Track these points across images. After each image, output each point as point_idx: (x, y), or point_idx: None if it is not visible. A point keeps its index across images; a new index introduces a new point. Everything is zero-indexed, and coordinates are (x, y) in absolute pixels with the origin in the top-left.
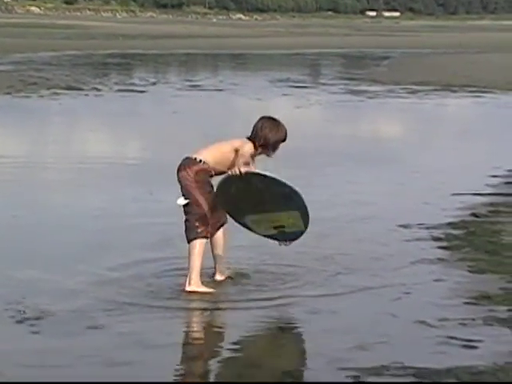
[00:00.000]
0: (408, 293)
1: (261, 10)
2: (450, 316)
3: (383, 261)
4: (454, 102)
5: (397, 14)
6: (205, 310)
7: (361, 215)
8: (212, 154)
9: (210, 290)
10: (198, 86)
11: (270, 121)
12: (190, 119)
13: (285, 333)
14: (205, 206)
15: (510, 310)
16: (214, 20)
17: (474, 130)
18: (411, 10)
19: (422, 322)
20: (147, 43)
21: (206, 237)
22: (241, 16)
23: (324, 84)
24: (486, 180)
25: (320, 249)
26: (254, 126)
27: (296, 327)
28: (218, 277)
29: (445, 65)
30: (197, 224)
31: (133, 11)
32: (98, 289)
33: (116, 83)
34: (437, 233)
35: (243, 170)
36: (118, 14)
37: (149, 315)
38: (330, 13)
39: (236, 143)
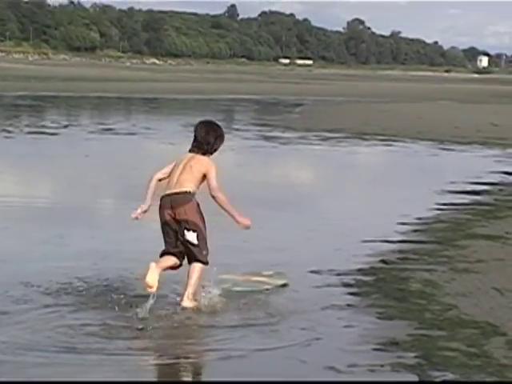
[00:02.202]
0: (318, 338)
1: (175, 55)
2: (359, 362)
3: (293, 306)
4: (365, 149)
5: (310, 62)
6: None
7: (272, 261)
8: (195, 184)
9: (199, 305)
10: (111, 129)
11: (216, 129)
12: (102, 162)
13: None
14: (205, 234)
15: (417, 357)
16: (128, 64)
17: (384, 178)
18: (324, 58)
19: (332, 368)
20: (59, 85)
21: (207, 262)
22: (154, 60)
23: (237, 130)
24: (395, 227)
25: (230, 297)
26: (205, 139)
27: (207, 373)
28: (186, 303)
29: (356, 113)
30: (204, 252)
31: (45, 53)
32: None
33: (27, 125)
34: (347, 279)
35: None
36: (29, 56)
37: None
38: (243, 59)
39: (203, 168)
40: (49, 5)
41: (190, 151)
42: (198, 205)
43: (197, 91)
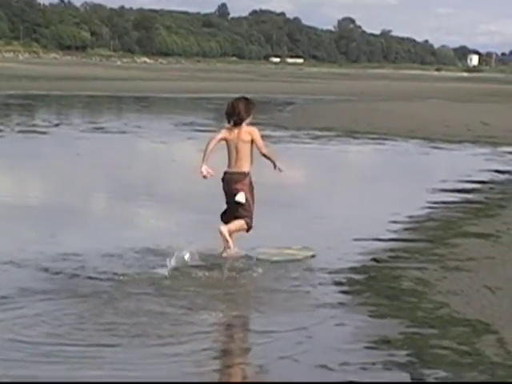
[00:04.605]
0: (310, 337)
1: (165, 54)
2: (350, 360)
3: (285, 305)
4: (355, 148)
5: (300, 60)
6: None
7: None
8: (250, 161)
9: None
10: (102, 128)
11: (241, 100)
12: (93, 161)
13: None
14: (252, 207)
15: (409, 355)
16: (119, 63)
17: (375, 177)
18: (314, 57)
19: (323, 366)
20: (50, 84)
21: (248, 229)
22: (145, 59)
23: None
24: (386, 226)
25: (223, 292)
26: (237, 111)
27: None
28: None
29: (347, 112)
30: (247, 220)
31: (36, 52)
32: None
33: (18, 124)
34: (339, 277)
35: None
36: (20, 55)
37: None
38: (234, 58)
39: (249, 135)
40: (39, 4)
41: (233, 125)
42: (251, 183)
43: (187, 90)
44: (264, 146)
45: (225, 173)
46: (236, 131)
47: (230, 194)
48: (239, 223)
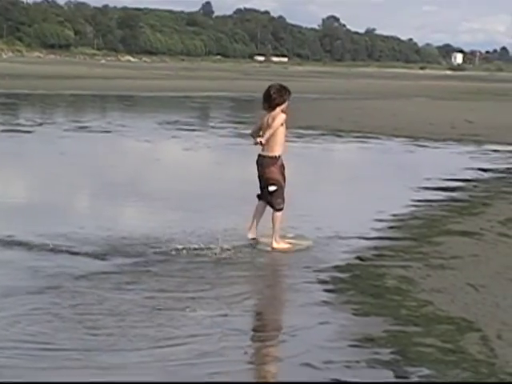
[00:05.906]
0: (293, 335)
1: (150, 53)
2: (335, 358)
3: (269, 303)
4: (340, 146)
5: (285, 59)
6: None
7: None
8: (282, 145)
9: (290, 246)
10: (86, 127)
11: (273, 86)
12: (77, 160)
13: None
14: (284, 187)
15: (393, 353)
16: (103, 61)
17: (359, 175)
18: (299, 55)
19: (308, 365)
20: (34, 83)
21: (282, 209)
22: (129, 58)
23: (213, 127)
24: (371, 224)
25: (207, 291)
26: (268, 96)
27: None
28: (274, 244)
29: (332, 110)
30: (279, 200)
31: (19, 51)
32: None
33: (1, 123)
34: (323, 276)
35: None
36: (3, 54)
37: None
38: (218, 57)
39: (274, 118)
40: (22, 2)
41: (267, 111)
42: (282, 165)
43: (172, 89)
44: (271, 127)
45: (258, 155)
46: (267, 116)
47: (261, 177)
48: (276, 219)
